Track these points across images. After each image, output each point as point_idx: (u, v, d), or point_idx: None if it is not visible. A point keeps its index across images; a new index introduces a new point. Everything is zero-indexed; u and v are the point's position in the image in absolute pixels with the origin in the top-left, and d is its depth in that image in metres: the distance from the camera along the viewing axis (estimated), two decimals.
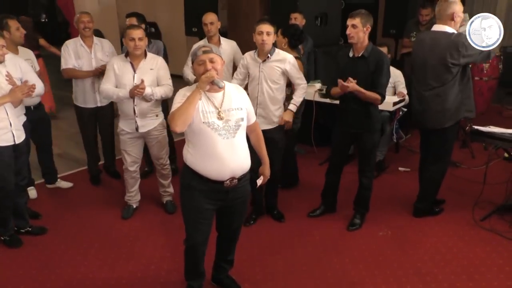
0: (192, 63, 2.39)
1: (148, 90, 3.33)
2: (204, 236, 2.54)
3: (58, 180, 4.36)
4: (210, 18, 3.97)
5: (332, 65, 3.62)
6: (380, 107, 4.28)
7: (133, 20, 3.97)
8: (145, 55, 3.44)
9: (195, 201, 2.43)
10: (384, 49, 4.53)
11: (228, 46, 4.13)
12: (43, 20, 14.23)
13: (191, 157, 2.40)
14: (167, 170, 3.77)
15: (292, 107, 3.44)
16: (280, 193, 3.77)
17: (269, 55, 3.32)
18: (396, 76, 4.63)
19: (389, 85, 4.61)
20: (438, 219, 3.67)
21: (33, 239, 3.44)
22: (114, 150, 4.48)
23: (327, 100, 4.34)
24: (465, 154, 4.91)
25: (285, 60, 3.33)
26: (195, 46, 4.02)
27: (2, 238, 3.34)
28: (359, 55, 3.23)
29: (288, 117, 3.44)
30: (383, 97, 3.24)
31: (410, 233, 3.48)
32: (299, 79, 3.41)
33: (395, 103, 4.35)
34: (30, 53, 3.89)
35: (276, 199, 3.73)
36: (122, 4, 8.24)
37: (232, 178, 2.39)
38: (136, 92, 3.29)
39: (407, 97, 4.55)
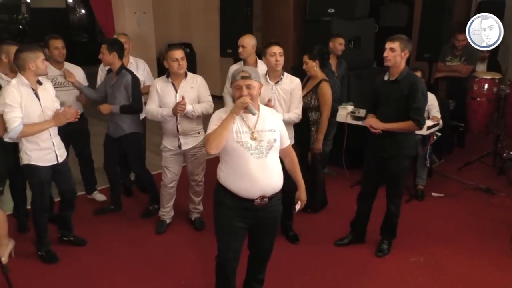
0: (231, 84, 2.47)
1: (189, 107, 3.45)
2: (235, 254, 2.57)
3: (95, 192, 4.51)
4: (243, 42, 4.02)
5: (364, 88, 3.64)
6: None
7: (125, 38, 4.08)
8: (185, 75, 3.57)
9: (226, 218, 2.48)
10: (418, 74, 4.52)
11: (264, 68, 4.20)
12: (84, 40, 14.88)
13: (224, 175, 2.46)
14: (200, 187, 3.86)
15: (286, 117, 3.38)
16: (309, 215, 3.76)
17: (281, 76, 3.43)
18: (430, 100, 4.58)
19: None
20: (472, 247, 3.57)
21: (69, 250, 3.55)
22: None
23: (359, 122, 4.34)
24: (502, 182, 4.77)
25: (293, 81, 3.47)
26: (232, 68, 4.12)
27: (40, 254, 3.44)
28: (393, 79, 3.23)
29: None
30: (419, 122, 3.14)
31: (443, 261, 3.40)
32: (297, 108, 3.50)
33: (429, 127, 4.31)
34: (75, 70, 4.07)
35: (292, 221, 3.70)
36: (160, 26, 8.56)
37: (263, 197, 2.43)
38: (178, 109, 3.40)
39: (441, 122, 4.50)
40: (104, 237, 3.79)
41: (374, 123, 3.21)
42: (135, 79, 3.81)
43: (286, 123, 3.23)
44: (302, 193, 2.68)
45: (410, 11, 8.40)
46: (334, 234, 3.73)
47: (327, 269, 3.32)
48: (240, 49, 4.02)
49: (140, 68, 4.26)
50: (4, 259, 3.25)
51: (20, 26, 14.83)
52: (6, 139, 3.19)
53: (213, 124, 2.41)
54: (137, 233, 3.84)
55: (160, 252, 3.56)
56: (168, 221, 3.91)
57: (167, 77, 3.56)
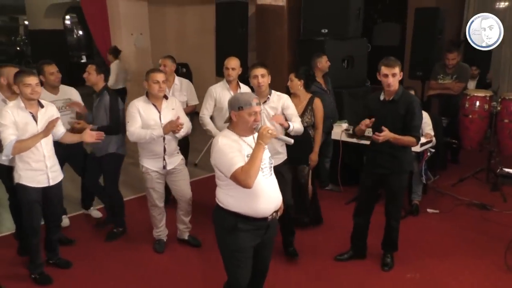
0: (239, 109, 2.39)
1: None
2: (249, 276, 2.58)
3: (91, 208, 4.53)
4: (233, 64, 3.94)
5: (358, 106, 3.70)
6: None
7: (167, 61, 4.32)
8: (165, 96, 3.62)
9: (241, 242, 2.47)
10: (411, 92, 4.59)
11: (245, 89, 4.15)
12: (82, 61, 15.03)
13: (235, 200, 2.44)
14: (190, 206, 3.85)
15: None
16: (305, 233, 3.77)
17: (268, 96, 3.49)
18: (423, 117, 4.66)
19: None
20: (469, 263, 3.59)
21: (66, 271, 3.51)
22: None
23: (354, 140, 4.40)
24: (496, 197, 4.81)
25: (282, 97, 3.53)
26: (214, 89, 4.02)
27: (32, 276, 3.38)
28: (390, 99, 3.27)
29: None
30: (418, 139, 3.29)
31: (439, 277, 3.41)
32: (295, 116, 3.51)
33: (422, 144, 4.37)
34: (71, 92, 4.10)
35: (293, 237, 3.71)
36: (157, 46, 8.68)
37: (274, 212, 2.52)
38: (178, 129, 3.46)
39: (434, 139, 4.56)
40: (100, 255, 3.78)
41: (385, 133, 3.11)
42: (114, 100, 3.80)
43: (294, 133, 3.35)
44: None
45: (402, 31, 8.56)
46: (332, 250, 3.75)
47: (323, 286, 3.32)
48: (230, 71, 3.93)
49: (183, 89, 4.42)
50: None
51: (18, 48, 14.97)
52: (3, 157, 3.18)
53: (229, 155, 2.33)
54: (135, 252, 3.83)
55: (158, 272, 3.56)
56: (165, 239, 3.91)
57: (147, 97, 3.56)
